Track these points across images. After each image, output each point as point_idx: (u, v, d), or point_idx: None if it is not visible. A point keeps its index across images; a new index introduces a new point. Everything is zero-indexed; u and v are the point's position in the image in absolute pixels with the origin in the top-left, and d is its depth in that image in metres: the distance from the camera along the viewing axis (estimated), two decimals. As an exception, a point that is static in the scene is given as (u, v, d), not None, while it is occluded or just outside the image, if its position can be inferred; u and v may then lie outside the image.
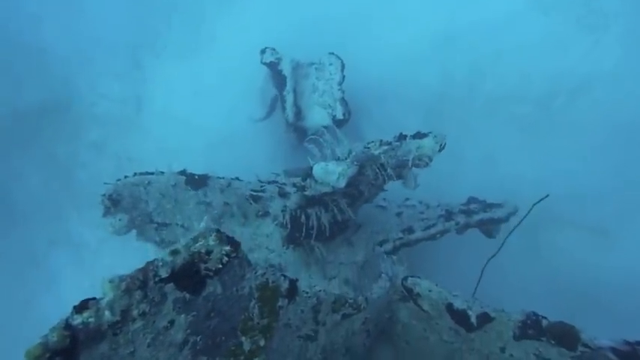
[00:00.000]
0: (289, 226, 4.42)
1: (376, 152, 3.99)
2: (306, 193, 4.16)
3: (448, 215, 5.29)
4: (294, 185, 4.25)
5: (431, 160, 4.21)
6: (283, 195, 4.37)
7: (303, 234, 4.51)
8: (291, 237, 4.61)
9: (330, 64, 6.15)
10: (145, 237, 5.19)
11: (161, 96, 7.40)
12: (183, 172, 4.91)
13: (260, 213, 5.08)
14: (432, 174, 5.34)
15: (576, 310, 6.00)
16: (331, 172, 3.96)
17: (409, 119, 7.23)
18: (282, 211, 4.38)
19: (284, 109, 5.97)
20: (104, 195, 4.83)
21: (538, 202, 4.45)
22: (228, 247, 2.29)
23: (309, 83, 6.12)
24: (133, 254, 5.27)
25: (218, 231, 2.32)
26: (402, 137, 4.12)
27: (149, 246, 5.17)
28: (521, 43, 7.44)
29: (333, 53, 6.32)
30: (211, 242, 2.27)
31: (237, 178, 5.08)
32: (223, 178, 5.00)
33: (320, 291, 2.96)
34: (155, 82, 7.52)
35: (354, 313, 3.21)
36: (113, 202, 4.86)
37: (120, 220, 4.93)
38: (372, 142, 4.08)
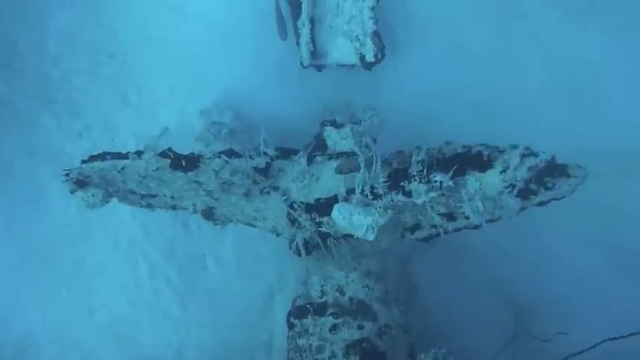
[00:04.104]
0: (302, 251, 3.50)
1: (419, 200, 2.86)
2: (322, 229, 3.16)
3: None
4: (307, 212, 3.22)
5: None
6: (293, 221, 3.36)
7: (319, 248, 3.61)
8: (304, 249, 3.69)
9: (359, -25, 4.34)
10: (128, 202, 4.32)
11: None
12: (166, 154, 3.74)
13: (265, 190, 4.07)
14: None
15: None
16: (357, 225, 2.91)
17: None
18: (292, 240, 3.42)
19: (298, 44, 4.43)
20: (67, 175, 3.82)
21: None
22: None
23: (333, 3, 4.44)
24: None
25: None
26: (457, 170, 2.91)
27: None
28: None
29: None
30: None
31: (236, 154, 3.88)
32: (219, 156, 3.81)
33: None
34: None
35: None
36: (79, 184, 3.86)
37: (93, 195, 3.98)
38: (415, 179, 2.89)
